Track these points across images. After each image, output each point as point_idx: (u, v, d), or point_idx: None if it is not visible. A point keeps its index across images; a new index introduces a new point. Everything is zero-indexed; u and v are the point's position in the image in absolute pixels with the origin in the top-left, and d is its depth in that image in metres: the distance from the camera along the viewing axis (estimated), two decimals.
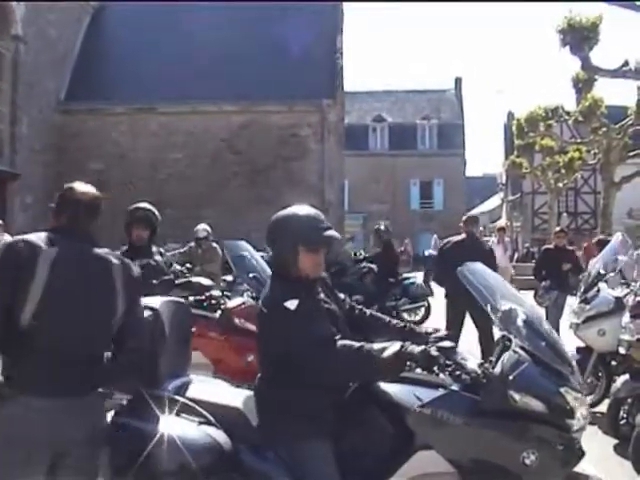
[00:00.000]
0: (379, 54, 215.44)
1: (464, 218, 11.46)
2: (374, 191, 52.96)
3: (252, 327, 7.84)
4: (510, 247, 18.61)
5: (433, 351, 3.86)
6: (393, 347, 3.88)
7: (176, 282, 7.51)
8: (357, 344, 3.97)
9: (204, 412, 4.25)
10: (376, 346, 3.92)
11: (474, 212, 74.42)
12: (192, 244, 14.03)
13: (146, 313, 4.38)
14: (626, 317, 8.37)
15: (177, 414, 4.25)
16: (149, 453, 4.06)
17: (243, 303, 8.14)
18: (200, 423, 4.20)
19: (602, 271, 9.87)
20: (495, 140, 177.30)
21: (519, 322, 4.21)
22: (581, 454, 4.06)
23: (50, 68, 23.64)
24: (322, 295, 4.33)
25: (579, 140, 36.18)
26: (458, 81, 62.35)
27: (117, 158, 23.93)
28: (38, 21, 22.40)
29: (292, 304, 4.00)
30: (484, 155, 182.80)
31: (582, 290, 9.69)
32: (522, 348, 4.05)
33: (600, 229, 27.62)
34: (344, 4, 27.34)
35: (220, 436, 4.14)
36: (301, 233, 4.26)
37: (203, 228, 14.18)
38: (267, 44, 24.41)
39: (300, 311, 4.00)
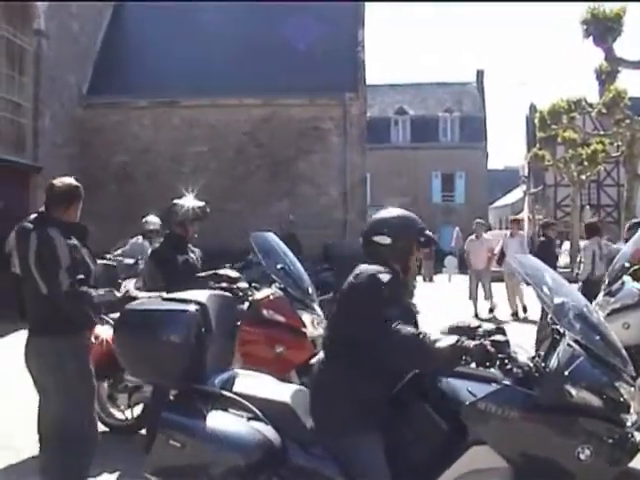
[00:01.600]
0: (401, 47, 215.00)
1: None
2: (396, 184, 52.81)
3: (281, 318, 7.87)
4: (525, 240, 18.39)
5: (489, 346, 3.87)
6: (449, 339, 3.91)
7: (201, 274, 7.51)
8: (416, 330, 4.01)
9: (252, 407, 4.22)
10: (433, 336, 3.95)
11: (496, 205, 74.35)
12: (138, 239, 12.83)
13: (193, 307, 4.42)
14: None
15: (225, 409, 4.23)
16: (197, 450, 4.07)
17: (271, 294, 8.08)
18: (249, 419, 4.17)
19: (627, 264, 9.81)
20: (517, 133, 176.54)
21: (572, 315, 4.17)
22: (636, 449, 4.02)
23: (72, 62, 23.69)
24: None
25: (602, 132, 35.90)
26: (480, 73, 62.04)
27: (139, 152, 23.99)
28: (60, 14, 22.44)
29: (385, 277, 4.13)
30: (506, 148, 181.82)
31: (607, 283, 9.64)
32: (576, 342, 4.02)
33: (623, 222, 27.46)
34: None
35: (269, 432, 4.12)
36: (418, 233, 4.47)
37: (153, 220, 12.75)
38: (288, 37, 24.37)
39: (389, 285, 4.11)
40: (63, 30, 22.78)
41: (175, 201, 7.60)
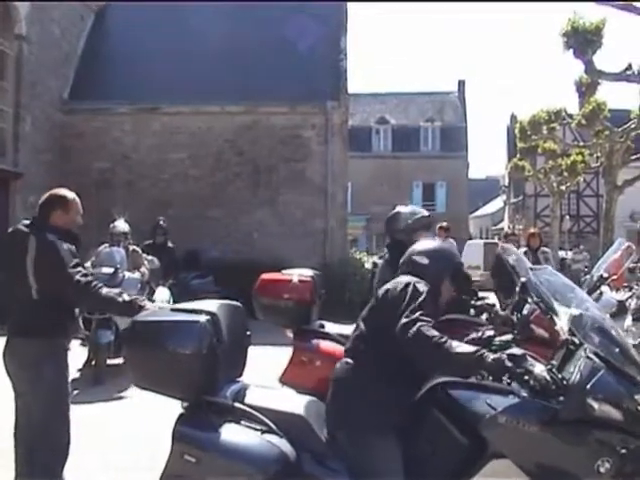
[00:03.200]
0: (383, 56, 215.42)
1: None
2: (377, 193, 52.89)
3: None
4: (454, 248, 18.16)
5: (507, 361, 3.88)
6: (469, 347, 4.00)
7: None
8: (439, 334, 4.05)
9: (266, 420, 4.20)
10: (454, 343, 4.00)
11: (476, 214, 74.60)
12: (105, 246, 12.38)
13: (204, 318, 4.38)
14: (628, 320, 8.37)
15: (239, 422, 4.20)
16: (212, 465, 4.04)
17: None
18: (263, 432, 4.15)
19: (605, 274, 9.87)
20: (498, 143, 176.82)
21: (591, 327, 4.18)
22: None
23: (53, 67, 23.56)
24: None
25: (582, 143, 36.13)
26: (461, 84, 62.32)
27: (120, 158, 23.86)
28: (42, 19, 22.35)
29: (423, 287, 4.31)
30: (487, 158, 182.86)
31: (585, 293, 9.67)
32: (595, 354, 4.01)
33: (602, 232, 27.64)
34: (348, 5, 27.26)
35: (284, 445, 4.09)
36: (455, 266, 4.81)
37: (121, 225, 12.34)
38: (270, 45, 24.36)
39: (427, 295, 4.26)
40: (44, 35, 22.67)
41: (398, 209, 7.46)
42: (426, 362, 4.15)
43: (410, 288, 4.25)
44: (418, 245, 4.78)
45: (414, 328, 4.00)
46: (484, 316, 7.23)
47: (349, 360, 4.42)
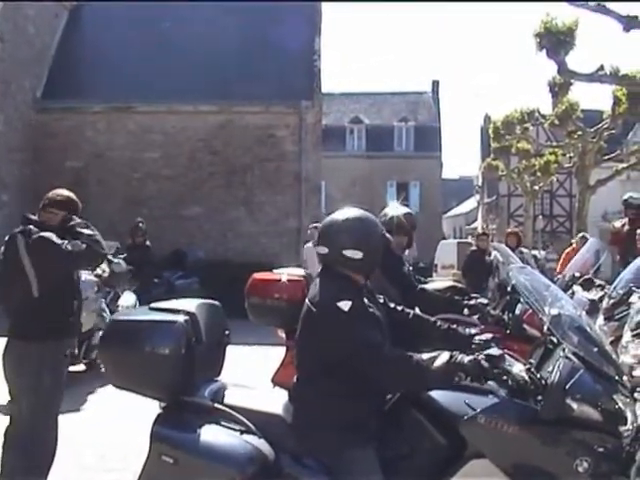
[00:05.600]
0: (357, 56, 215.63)
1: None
2: (351, 193, 52.83)
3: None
4: None
5: (483, 362, 3.85)
6: (442, 357, 3.88)
7: None
8: (406, 353, 3.96)
9: (245, 420, 4.16)
10: (425, 356, 3.92)
11: (450, 214, 74.82)
12: None
13: (182, 317, 4.34)
14: (600, 320, 8.41)
15: (217, 423, 4.16)
16: (190, 466, 4.02)
17: None
18: (242, 432, 4.11)
19: (577, 274, 9.94)
20: (472, 143, 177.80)
21: (569, 327, 4.18)
22: (632, 460, 4.04)
23: (27, 65, 23.42)
24: (365, 300, 4.26)
25: (555, 143, 36.46)
26: (435, 84, 62.36)
27: (93, 157, 23.74)
28: (16, 17, 22.23)
29: (346, 305, 3.96)
30: (461, 158, 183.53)
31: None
32: (574, 354, 4.01)
33: (575, 232, 27.83)
34: (322, 5, 27.29)
35: (263, 445, 4.06)
36: (383, 237, 4.41)
37: None
38: (245, 45, 24.35)
39: (353, 313, 3.96)
40: (18, 33, 22.54)
41: (386, 210, 7.31)
42: (404, 387, 4.14)
43: (337, 316, 3.94)
44: (341, 232, 4.23)
45: (381, 361, 3.92)
46: (476, 316, 7.21)
47: (298, 381, 4.29)
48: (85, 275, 11.51)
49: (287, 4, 25.53)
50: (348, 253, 4.17)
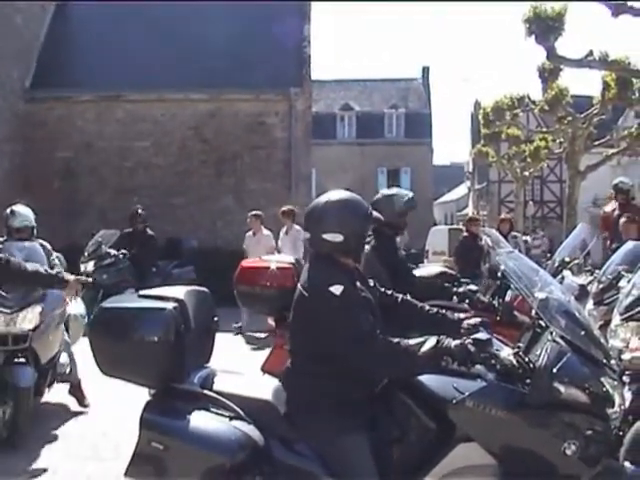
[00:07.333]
0: (347, 43, 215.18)
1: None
2: (341, 180, 52.58)
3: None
4: (301, 237, 15.37)
5: (470, 346, 3.89)
6: (429, 343, 3.92)
7: None
8: (394, 339, 3.98)
9: (234, 406, 4.19)
10: (412, 342, 3.96)
11: (441, 200, 74.86)
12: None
13: (170, 305, 4.36)
14: (589, 304, 8.46)
15: (207, 409, 4.19)
16: (180, 452, 4.04)
17: None
18: (231, 418, 4.14)
19: (567, 259, 9.98)
20: (462, 129, 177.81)
21: (557, 311, 4.21)
22: (620, 443, 4.07)
23: (15, 55, 23.24)
24: (358, 283, 4.29)
25: (545, 129, 36.45)
26: (425, 70, 62.36)
27: (83, 147, 23.63)
28: (3, 7, 22.05)
29: (337, 289, 3.98)
30: (451, 144, 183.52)
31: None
32: (561, 337, 4.04)
33: (566, 217, 27.89)
34: None
35: (252, 431, 4.09)
36: (368, 218, 4.36)
37: (24, 213, 8.94)
38: (234, 33, 24.26)
39: (345, 298, 3.98)
40: (6, 23, 22.40)
41: (389, 192, 7.41)
42: (392, 373, 4.17)
43: (329, 302, 3.98)
44: (320, 217, 4.35)
45: (370, 348, 3.95)
46: (466, 302, 7.24)
47: (292, 366, 4.34)
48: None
49: None
50: (328, 237, 4.21)
